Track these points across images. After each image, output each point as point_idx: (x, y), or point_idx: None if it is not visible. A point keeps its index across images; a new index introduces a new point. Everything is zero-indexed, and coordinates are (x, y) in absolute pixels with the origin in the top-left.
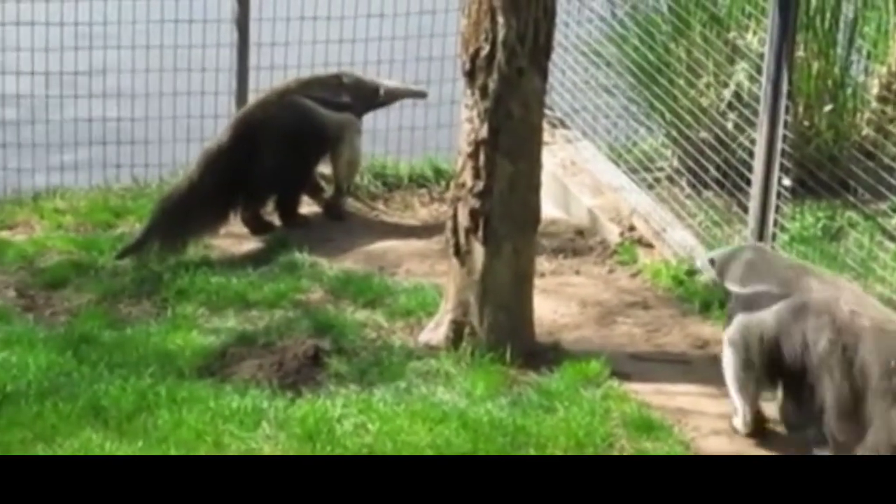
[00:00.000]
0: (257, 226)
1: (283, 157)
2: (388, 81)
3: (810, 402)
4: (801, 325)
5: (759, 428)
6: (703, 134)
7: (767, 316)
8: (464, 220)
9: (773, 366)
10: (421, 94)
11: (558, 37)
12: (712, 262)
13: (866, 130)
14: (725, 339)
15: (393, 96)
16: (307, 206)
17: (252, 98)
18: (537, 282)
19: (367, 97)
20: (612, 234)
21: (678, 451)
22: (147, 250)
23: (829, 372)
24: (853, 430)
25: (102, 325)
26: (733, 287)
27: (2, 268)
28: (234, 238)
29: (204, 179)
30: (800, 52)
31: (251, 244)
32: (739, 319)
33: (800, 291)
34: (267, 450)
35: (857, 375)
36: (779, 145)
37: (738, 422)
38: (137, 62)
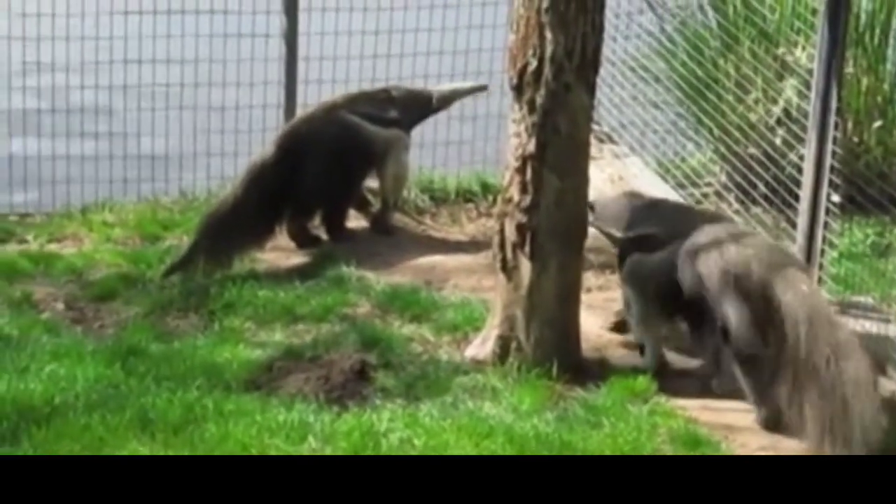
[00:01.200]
0: (304, 240)
1: (327, 173)
2: (441, 86)
3: (710, 332)
4: (694, 263)
5: (662, 366)
6: (752, 150)
7: (661, 257)
8: (511, 235)
9: (669, 302)
10: (480, 88)
11: (606, 52)
12: (591, 207)
13: None
14: (622, 282)
15: (449, 100)
16: (355, 221)
17: (300, 112)
18: (584, 297)
19: (420, 107)
20: None
21: None
22: (193, 266)
23: (727, 301)
24: (758, 346)
25: (150, 338)
26: (616, 232)
27: (51, 280)
28: (281, 252)
29: (248, 195)
30: (849, 69)
31: (298, 258)
32: (634, 261)
33: (688, 232)
34: None
35: (753, 300)
36: (828, 161)
37: (647, 359)
38: (186, 76)
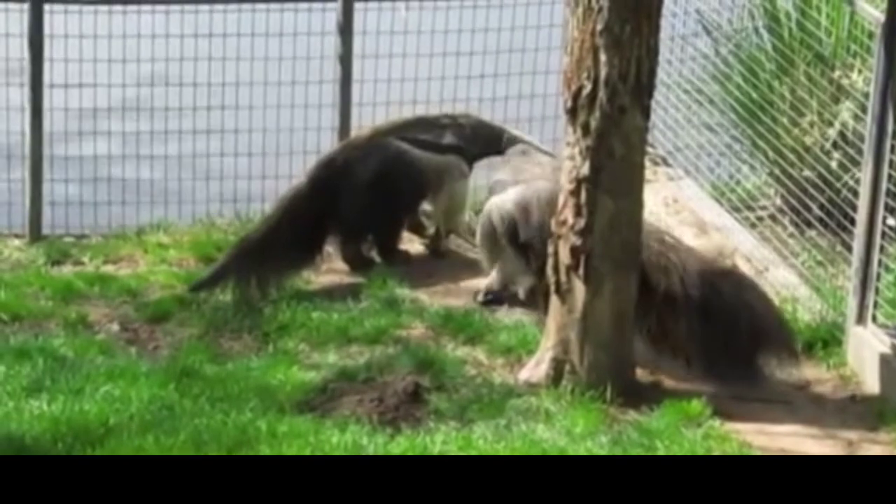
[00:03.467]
0: (357, 263)
1: (372, 199)
2: (516, 131)
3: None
4: (532, 205)
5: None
6: (807, 173)
7: (507, 199)
8: (565, 257)
9: (515, 241)
10: (549, 154)
11: (661, 75)
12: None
13: None
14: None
15: (515, 143)
16: (410, 242)
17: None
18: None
19: (487, 141)
20: None
21: None
22: (221, 286)
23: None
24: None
25: (204, 360)
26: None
27: (106, 301)
28: (334, 273)
29: (280, 224)
30: None
31: (352, 280)
32: (488, 203)
33: (527, 179)
34: None
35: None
36: (884, 185)
37: (494, 280)
38: (242, 98)
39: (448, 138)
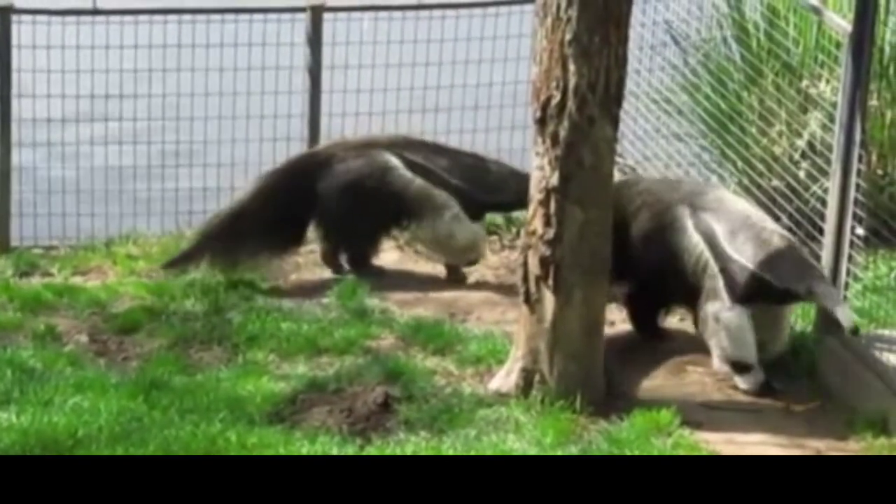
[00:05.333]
0: (334, 266)
1: (346, 206)
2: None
3: None
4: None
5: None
6: (776, 182)
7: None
8: (534, 267)
9: None
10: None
11: (630, 85)
12: None
13: None
14: None
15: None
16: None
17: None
18: (607, 330)
19: (517, 192)
20: None
21: None
22: (195, 264)
23: None
24: None
25: (174, 371)
26: None
27: (75, 313)
28: (304, 284)
29: (253, 204)
30: (873, 101)
31: (321, 290)
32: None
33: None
34: None
35: None
36: (852, 194)
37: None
38: (211, 110)
39: (453, 175)
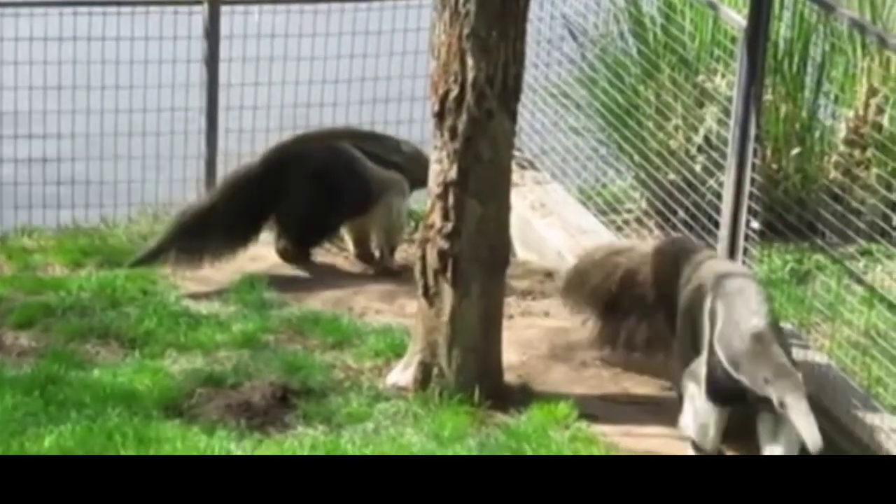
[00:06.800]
0: (289, 256)
1: (310, 196)
2: None
3: None
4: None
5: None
6: (672, 176)
7: None
8: (432, 261)
9: None
10: None
11: (528, 79)
12: None
13: (834, 174)
14: None
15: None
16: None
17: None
18: (506, 323)
19: (422, 169)
20: None
21: None
22: (162, 260)
23: None
24: None
25: (70, 366)
26: None
27: None
28: (200, 279)
29: (225, 200)
30: (768, 96)
31: (219, 284)
32: None
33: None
34: None
35: None
36: (747, 188)
37: None
38: (107, 103)
39: (395, 156)
